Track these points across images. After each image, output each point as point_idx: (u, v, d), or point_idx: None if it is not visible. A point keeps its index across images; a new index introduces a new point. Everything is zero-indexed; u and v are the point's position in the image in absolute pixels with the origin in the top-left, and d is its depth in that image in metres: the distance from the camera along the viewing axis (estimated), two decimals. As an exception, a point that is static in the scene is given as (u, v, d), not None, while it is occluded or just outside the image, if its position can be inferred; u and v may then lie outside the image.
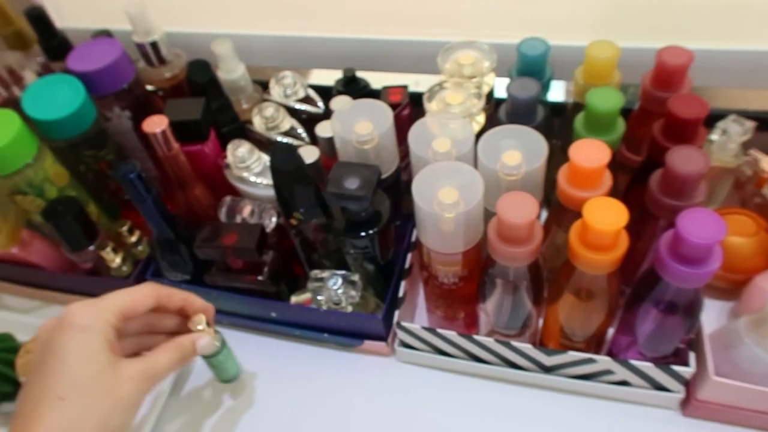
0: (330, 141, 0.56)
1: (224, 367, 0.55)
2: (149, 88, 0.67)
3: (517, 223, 0.42)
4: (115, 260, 0.62)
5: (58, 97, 0.58)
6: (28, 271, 0.67)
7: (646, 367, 0.49)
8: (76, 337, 0.41)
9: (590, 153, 0.44)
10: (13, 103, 0.64)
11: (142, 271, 0.64)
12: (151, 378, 0.44)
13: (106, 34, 0.68)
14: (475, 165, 0.50)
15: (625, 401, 0.53)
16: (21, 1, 0.70)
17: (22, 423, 0.39)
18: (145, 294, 0.46)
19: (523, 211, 0.42)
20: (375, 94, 0.60)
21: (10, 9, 0.68)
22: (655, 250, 0.43)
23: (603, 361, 0.50)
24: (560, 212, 0.49)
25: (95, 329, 0.41)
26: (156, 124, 0.54)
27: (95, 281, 0.65)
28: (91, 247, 0.61)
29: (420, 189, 0.46)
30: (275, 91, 0.65)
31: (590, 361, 0.50)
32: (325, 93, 0.66)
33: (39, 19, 0.65)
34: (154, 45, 0.64)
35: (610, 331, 0.52)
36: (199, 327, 0.49)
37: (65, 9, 0.77)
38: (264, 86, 0.68)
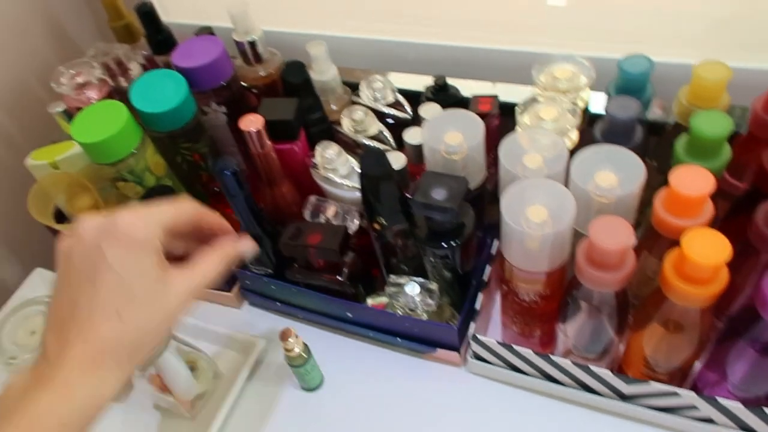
0: (418, 148, 0.56)
1: (309, 377, 0.59)
2: (244, 84, 0.70)
3: (610, 249, 0.40)
4: (203, 249, 0.65)
5: (162, 91, 0.61)
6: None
7: (735, 407, 0.47)
8: (131, 252, 0.40)
9: (692, 180, 0.42)
10: (119, 93, 0.68)
11: (226, 261, 0.66)
12: (197, 290, 0.43)
13: (208, 31, 0.71)
14: (566, 183, 0.49)
15: (707, 439, 0.51)
16: (132, -4, 0.74)
17: (75, 328, 0.38)
18: (186, 209, 0.44)
19: (617, 236, 0.41)
20: (464, 103, 0.60)
21: (122, 4, 0.73)
22: (757, 286, 0.40)
23: (687, 396, 0.48)
24: (653, 238, 0.47)
25: (149, 245, 0.40)
26: (252, 123, 0.56)
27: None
28: (182, 235, 0.64)
29: (509, 205, 0.45)
30: (365, 95, 0.66)
31: (673, 394, 0.48)
32: (411, 98, 0.66)
33: (148, 14, 0.69)
34: (253, 44, 0.66)
35: (697, 364, 0.50)
36: (290, 340, 0.54)
37: (170, 5, 0.81)
38: (352, 88, 0.69)
